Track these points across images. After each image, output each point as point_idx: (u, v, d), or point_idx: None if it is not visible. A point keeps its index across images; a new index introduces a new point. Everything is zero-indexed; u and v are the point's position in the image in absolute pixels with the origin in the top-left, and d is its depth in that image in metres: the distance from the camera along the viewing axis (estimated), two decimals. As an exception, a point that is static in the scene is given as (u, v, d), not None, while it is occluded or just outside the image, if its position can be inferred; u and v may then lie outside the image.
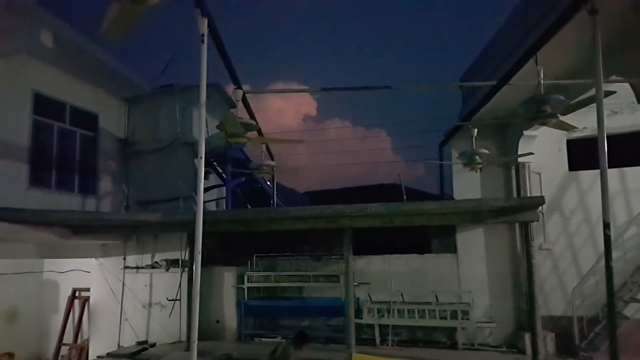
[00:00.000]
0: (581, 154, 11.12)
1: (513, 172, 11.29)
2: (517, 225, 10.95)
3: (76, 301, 14.11)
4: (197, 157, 12.68)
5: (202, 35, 4.73)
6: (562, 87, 6.33)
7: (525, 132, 10.43)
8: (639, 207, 10.06)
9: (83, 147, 11.97)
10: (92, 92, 12.16)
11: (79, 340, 13.99)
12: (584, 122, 10.90)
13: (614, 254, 10.28)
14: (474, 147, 7.93)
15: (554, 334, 10.41)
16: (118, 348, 12.11)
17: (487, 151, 7.89)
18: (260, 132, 9.96)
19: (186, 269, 11.46)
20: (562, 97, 5.27)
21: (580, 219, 10.98)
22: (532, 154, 8.71)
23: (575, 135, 11.07)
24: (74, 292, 14.08)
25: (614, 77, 6.99)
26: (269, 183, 13.62)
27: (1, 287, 12.65)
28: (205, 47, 4.78)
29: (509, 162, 10.16)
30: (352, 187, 24.02)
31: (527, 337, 10.00)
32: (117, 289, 12.59)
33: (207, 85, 12.28)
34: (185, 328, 11.32)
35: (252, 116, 9.02)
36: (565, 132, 10.94)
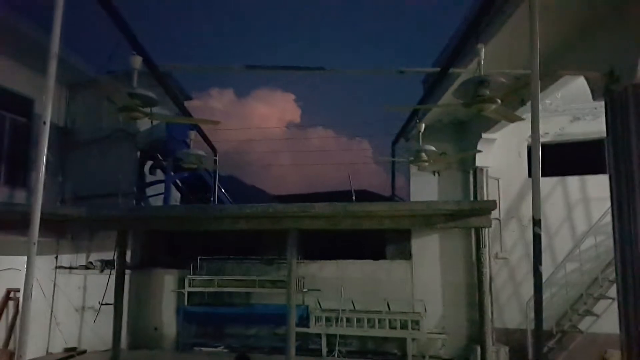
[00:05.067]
0: (541, 161, 10.66)
1: (471, 177, 10.79)
2: (473, 232, 10.44)
3: (10, 303, 13.12)
4: (138, 150, 12.10)
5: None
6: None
7: (484, 135, 9.92)
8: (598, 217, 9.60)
9: (13, 134, 11.02)
10: (28, 75, 11.21)
11: (10, 345, 12.98)
12: (545, 127, 10.53)
13: (571, 266, 9.96)
14: (421, 144, 7.36)
15: (507, 347, 9.90)
16: (46, 354, 11.19)
17: (433, 148, 7.33)
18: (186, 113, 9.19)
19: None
20: (504, 80, 4.69)
21: (538, 227, 10.50)
22: (479, 151, 8.18)
23: (536, 140, 10.63)
24: (7, 292, 13.07)
25: (565, 72, 6.50)
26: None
27: None
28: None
29: (451, 163, 9.61)
30: (323, 192, 23.36)
31: (480, 350, 9.45)
32: (48, 291, 11.65)
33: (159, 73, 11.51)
34: (121, 334, 10.46)
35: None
36: (526, 136, 10.60)
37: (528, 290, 10.20)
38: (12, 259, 12.28)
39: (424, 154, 7.19)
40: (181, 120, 8.26)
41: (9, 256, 12.10)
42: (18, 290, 12.52)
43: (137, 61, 5.55)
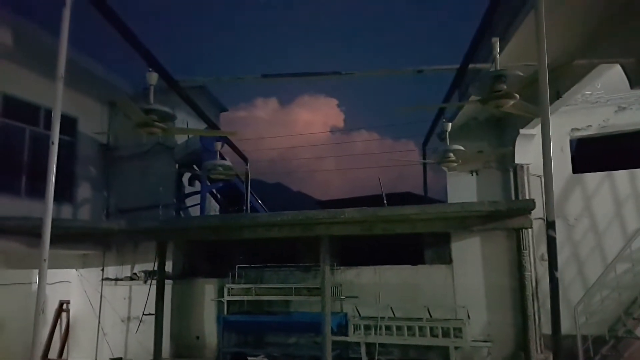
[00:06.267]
0: (586, 155, 10.09)
1: (511, 175, 10.32)
2: (515, 233, 9.97)
3: (63, 314, 13.70)
4: (176, 162, 12.40)
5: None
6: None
7: (522, 131, 9.45)
8: (652, 213, 8.97)
9: (59, 152, 11.51)
10: (71, 95, 11.74)
11: (64, 355, 13.51)
12: (588, 119, 9.97)
13: (623, 266, 9.32)
14: (448, 143, 7.08)
15: (557, 355, 9.35)
16: (94, 364, 11.58)
17: (461, 147, 7.03)
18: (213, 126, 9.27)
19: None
20: (520, 73, 4.41)
21: (586, 226, 9.91)
22: (510, 148, 7.79)
23: (579, 134, 10.08)
24: (60, 304, 13.65)
25: (597, 60, 6.09)
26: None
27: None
28: (67, 10, 4.17)
29: (489, 161, 9.19)
30: (364, 196, 23.03)
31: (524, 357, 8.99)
32: (96, 302, 12.07)
33: (193, 88, 11.77)
34: (163, 344, 10.68)
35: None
36: (568, 130, 10.08)
37: (577, 293, 9.69)
38: (64, 272, 12.86)
39: (451, 154, 6.92)
40: (197, 132, 8.39)
41: (61, 270, 12.69)
42: (69, 302, 13.07)
43: (153, 77, 5.70)
